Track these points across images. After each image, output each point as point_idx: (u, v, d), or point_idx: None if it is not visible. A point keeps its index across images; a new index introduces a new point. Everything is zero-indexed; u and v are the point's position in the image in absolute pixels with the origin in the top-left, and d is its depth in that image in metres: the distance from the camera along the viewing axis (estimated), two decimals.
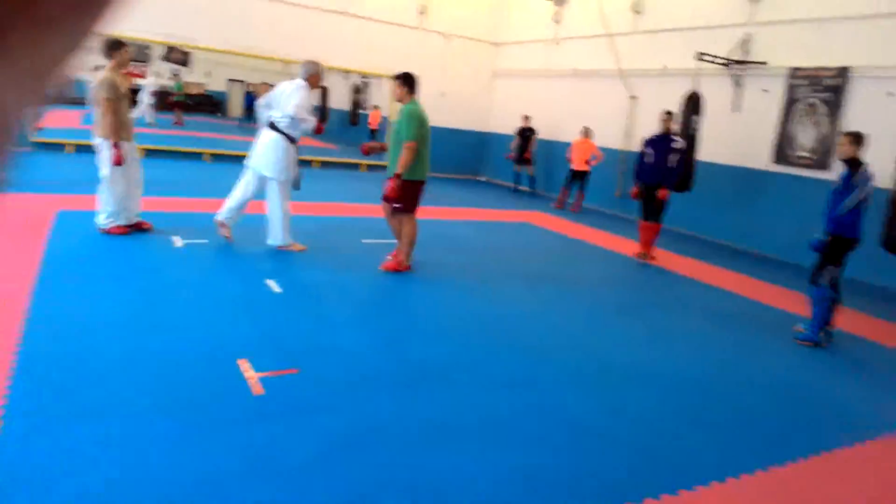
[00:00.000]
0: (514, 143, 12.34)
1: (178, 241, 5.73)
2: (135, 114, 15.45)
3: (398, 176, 5.23)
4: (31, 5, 0.22)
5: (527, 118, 12.32)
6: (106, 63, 5.43)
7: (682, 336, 4.81)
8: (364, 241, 6.70)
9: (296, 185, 5.83)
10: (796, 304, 6.15)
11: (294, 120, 5.51)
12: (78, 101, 9.57)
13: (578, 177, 10.95)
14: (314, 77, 5.65)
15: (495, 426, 3.03)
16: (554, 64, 12.87)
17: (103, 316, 3.82)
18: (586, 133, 10.88)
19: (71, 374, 3.05)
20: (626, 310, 5.41)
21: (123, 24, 10.19)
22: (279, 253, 5.78)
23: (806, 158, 8.48)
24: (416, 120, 5.22)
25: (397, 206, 5.37)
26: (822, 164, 8.28)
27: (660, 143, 7.07)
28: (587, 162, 10.82)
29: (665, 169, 6.98)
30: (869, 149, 7.63)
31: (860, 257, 7.56)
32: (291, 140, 5.62)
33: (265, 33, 11.77)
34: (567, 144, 11.86)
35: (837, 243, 4.79)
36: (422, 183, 5.41)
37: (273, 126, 5.61)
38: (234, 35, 11.58)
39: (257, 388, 3.11)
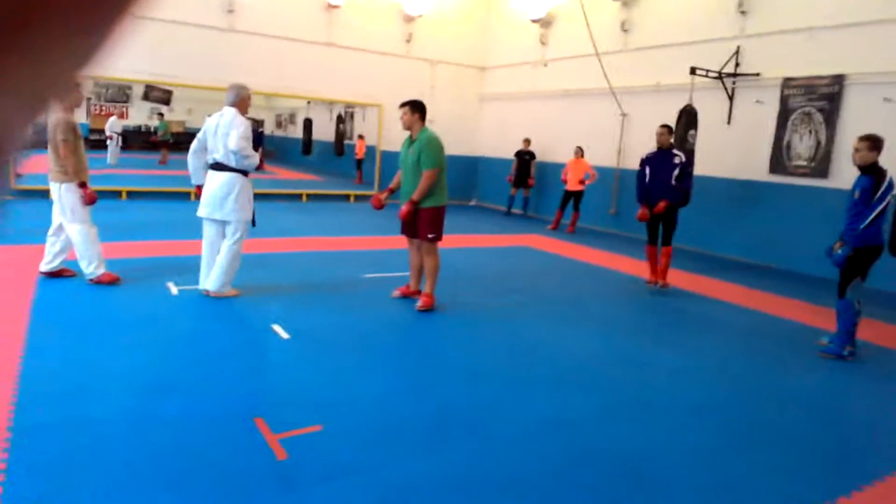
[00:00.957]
0: (514, 166, 12.28)
1: (173, 288, 5.44)
2: (109, 158, 15.25)
3: (414, 202, 5.09)
4: (30, 26, 0.22)
5: (527, 141, 12.25)
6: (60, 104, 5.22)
7: (710, 359, 4.60)
8: (366, 275, 6.45)
9: (252, 222, 5.33)
10: (809, 315, 6.01)
11: (238, 155, 5.01)
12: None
13: (573, 197, 10.83)
14: (242, 102, 5.12)
15: (544, 475, 2.77)
16: (542, 85, 12.83)
17: (103, 377, 3.51)
18: (580, 152, 10.79)
19: (71, 448, 2.74)
20: (647, 333, 5.20)
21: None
22: (281, 295, 5.49)
23: (803, 167, 8.41)
24: (438, 146, 5.14)
25: (432, 236, 5.20)
26: (820, 171, 8.22)
27: (658, 159, 6.64)
28: (581, 181, 10.72)
29: (667, 186, 6.56)
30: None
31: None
32: (245, 174, 5.15)
33: (248, 68, 11.57)
34: (558, 165, 11.77)
35: (863, 255, 4.60)
36: (445, 207, 5.31)
37: (219, 166, 5.09)
38: (216, 71, 11.37)
39: (280, 452, 2.82)
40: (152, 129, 17.95)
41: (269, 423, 3.07)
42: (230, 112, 5.10)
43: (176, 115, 19.01)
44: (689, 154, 7.01)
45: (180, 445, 2.83)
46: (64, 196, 5.20)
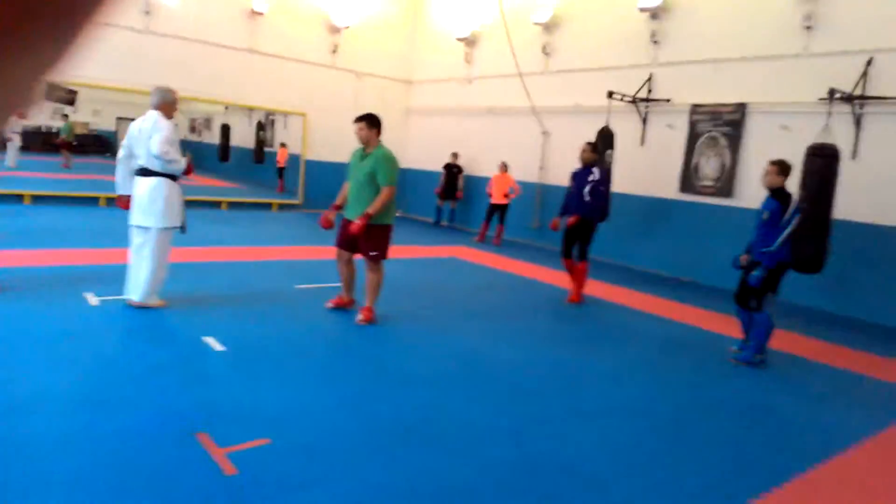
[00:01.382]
0: (442, 179, 12.49)
1: (93, 299, 5.16)
2: (8, 160, 14.17)
3: (368, 216, 5.01)
4: (11, 20, 0.22)
5: (455, 155, 12.49)
6: None
7: (633, 367, 4.86)
8: (298, 286, 6.35)
9: (182, 229, 5.18)
10: (719, 324, 6.47)
11: (161, 160, 4.83)
12: None
13: (498, 210, 11.12)
14: (167, 105, 4.96)
15: (493, 482, 2.87)
16: (467, 101, 13.10)
17: (27, 395, 3.29)
18: (504, 168, 11.11)
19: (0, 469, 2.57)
20: (574, 343, 5.43)
21: None
22: (209, 306, 5.33)
23: (710, 187, 9.05)
24: (394, 164, 5.15)
25: (374, 253, 5.15)
26: (725, 191, 8.87)
27: (579, 175, 6.99)
28: (506, 195, 11.03)
29: (581, 201, 6.86)
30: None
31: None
32: (173, 179, 4.98)
33: (163, 70, 11.12)
34: (483, 179, 12.06)
35: (774, 272, 4.96)
36: (392, 227, 5.30)
37: (146, 171, 4.91)
38: (129, 72, 10.86)
39: (228, 467, 2.77)
40: (54, 130, 16.84)
41: (213, 438, 3.00)
42: (153, 115, 4.93)
43: (81, 116, 17.96)
44: (605, 172, 7.22)
45: (119, 463, 2.72)
46: None
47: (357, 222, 5.04)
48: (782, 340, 5.98)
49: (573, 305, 6.85)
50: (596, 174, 6.87)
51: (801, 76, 7.91)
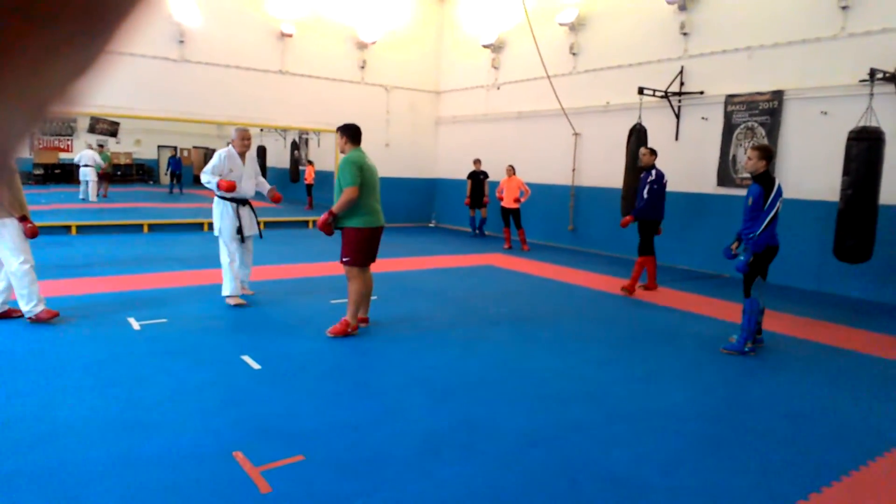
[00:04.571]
0: (468, 188, 12.35)
1: (135, 324, 5.29)
2: (81, 194, 14.71)
3: (332, 213, 5.02)
4: (30, 32, 0.21)
5: (477, 162, 12.33)
6: None
7: (674, 367, 4.73)
8: (333, 301, 6.40)
9: (258, 235, 6.43)
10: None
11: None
12: None
13: (511, 214, 10.98)
14: (234, 141, 6.14)
15: (531, 490, 2.80)
16: (495, 108, 13.08)
17: (73, 420, 3.38)
18: (512, 171, 10.97)
19: (47, 495, 2.63)
20: (617, 346, 5.31)
21: None
22: (248, 325, 5.41)
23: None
24: (352, 166, 5.02)
25: (345, 259, 5.13)
26: None
27: (641, 177, 7.50)
28: (517, 200, 10.87)
29: (639, 201, 7.40)
30: (809, 164, 7.98)
31: (812, 267, 7.81)
32: (225, 198, 6.04)
33: (200, 97, 11.46)
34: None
35: (761, 257, 4.92)
36: (370, 231, 5.13)
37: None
38: (167, 101, 11.21)
39: (263, 485, 2.77)
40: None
41: (248, 456, 3.02)
42: (225, 149, 6.11)
43: (124, 146, 18.60)
44: (658, 173, 7.27)
45: (161, 485, 2.75)
46: (2, 231, 5.00)
47: (321, 216, 5.10)
48: (830, 333, 5.75)
49: (611, 299, 7.10)
50: (652, 174, 7.30)
51: (839, 58, 7.62)
